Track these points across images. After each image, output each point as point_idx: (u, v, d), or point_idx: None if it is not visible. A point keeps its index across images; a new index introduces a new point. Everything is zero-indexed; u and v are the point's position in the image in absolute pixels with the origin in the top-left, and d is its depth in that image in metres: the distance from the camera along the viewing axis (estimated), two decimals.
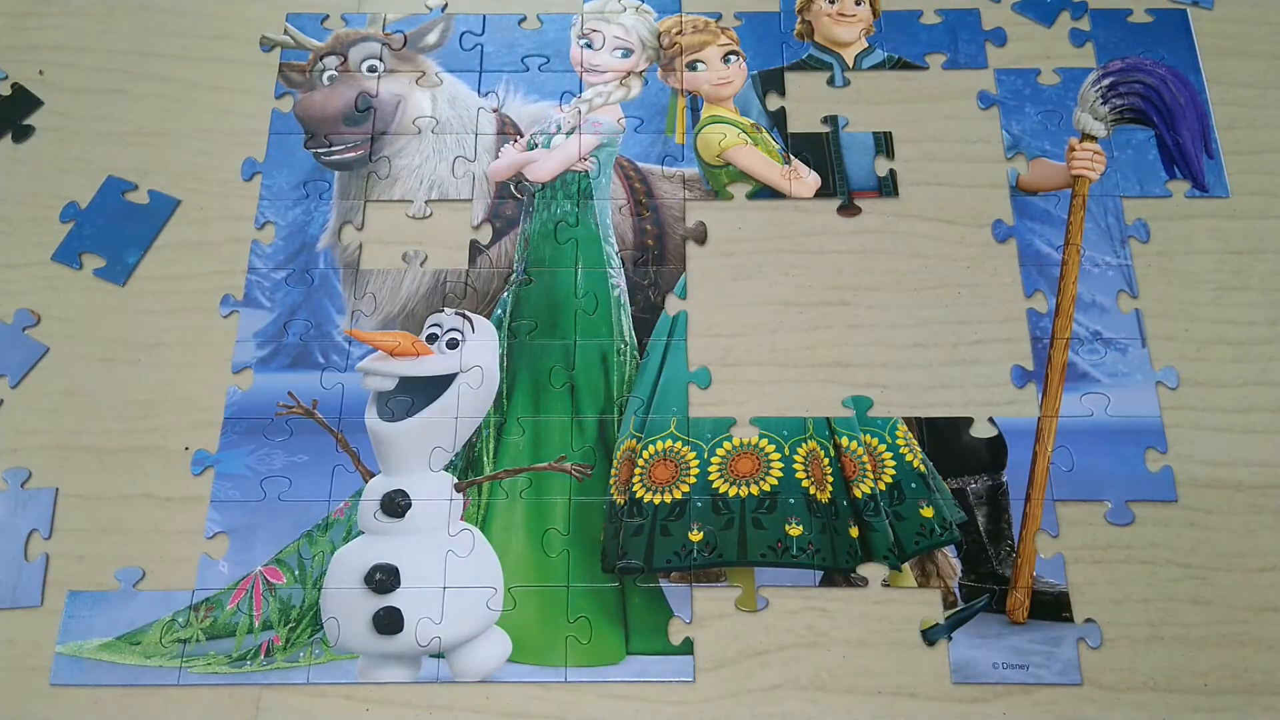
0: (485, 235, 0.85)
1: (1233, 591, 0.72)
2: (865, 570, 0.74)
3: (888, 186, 0.86)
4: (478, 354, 0.79)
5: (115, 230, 0.85)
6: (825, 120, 0.89)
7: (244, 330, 0.81)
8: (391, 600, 0.72)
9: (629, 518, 0.75)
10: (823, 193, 0.86)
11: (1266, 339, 0.80)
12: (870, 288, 0.82)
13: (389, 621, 0.72)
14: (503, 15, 0.94)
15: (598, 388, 0.79)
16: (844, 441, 0.77)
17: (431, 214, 0.86)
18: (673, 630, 0.72)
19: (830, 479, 0.76)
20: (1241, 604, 0.72)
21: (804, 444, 0.77)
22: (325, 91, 0.90)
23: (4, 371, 0.80)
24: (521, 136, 0.88)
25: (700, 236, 0.85)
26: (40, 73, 0.91)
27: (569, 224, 0.85)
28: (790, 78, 0.91)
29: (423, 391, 0.78)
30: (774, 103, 0.89)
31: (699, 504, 0.75)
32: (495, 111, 0.90)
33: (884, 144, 0.88)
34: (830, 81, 0.90)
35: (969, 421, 0.78)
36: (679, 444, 0.77)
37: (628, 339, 0.81)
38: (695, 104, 0.89)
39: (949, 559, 0.74)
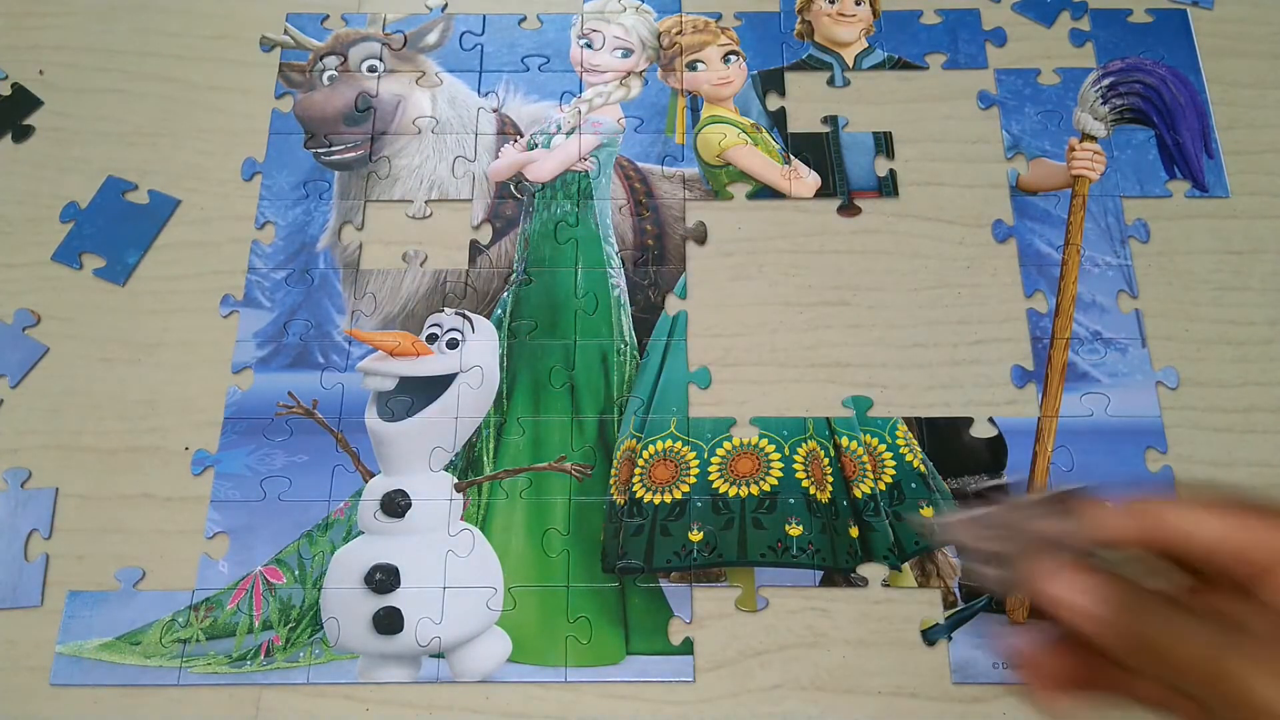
0: (485, 235, 0.85)
1: None
2: (865, 570, 0.74)
3: (888, 186, 0.86)
4: (478, 354, 0.79)
5: (115, 230, 0.85)
6: (825, 120, 0.89)
7: (244, 330, 0.81)
8: (391, 600, 0.72)
9: (629, 518, 0.75)
10: (823, 193, 0.86)
11: (1266, 339, 0.80)
12: (870, 288, 0.82)
13: (389, 621, 0.72)
14: (503, 15, 0.94)
15: (598, 388, 0.79)
16: (844, 441, 0.77)
17: (431, 214, 0.86)
18: (673, 630, 0.72)
19: (830, 479, 0.76)
20: None
21: (804, 444, 0.77)
22: (325, 91, 0.90)
23: (4, 371, 0.80)
24: (521, 136, 0.88)
25: (700, 236, 0.85)
26: (40, 73, 0.91)
27: (569, 224, 0.85)
28: (790, 78, 0.91)
29: (423, 391, 0.78)
30: (774, 103, 0.89)
31: (699, 504, 0.75)
32: (495, 111, 0.90)
33: (884, 144, 0.88)
34: (830, 81, 0.90)
35: (969, 422, 0.78)
36: (679, 444, 0.77)
37: (628, 339, 0.81)
38: (695, 104, 0.89)
39: (949, 559, 0.74)
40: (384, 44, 0.92)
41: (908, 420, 0.78)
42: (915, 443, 0.77)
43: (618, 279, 0.83)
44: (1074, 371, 0.79)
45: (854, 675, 0.70)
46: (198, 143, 0.89)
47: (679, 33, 0.92)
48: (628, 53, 0.92)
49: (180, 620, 0.72)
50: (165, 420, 0.78)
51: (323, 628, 0.72)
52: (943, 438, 0.77)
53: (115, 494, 0.76)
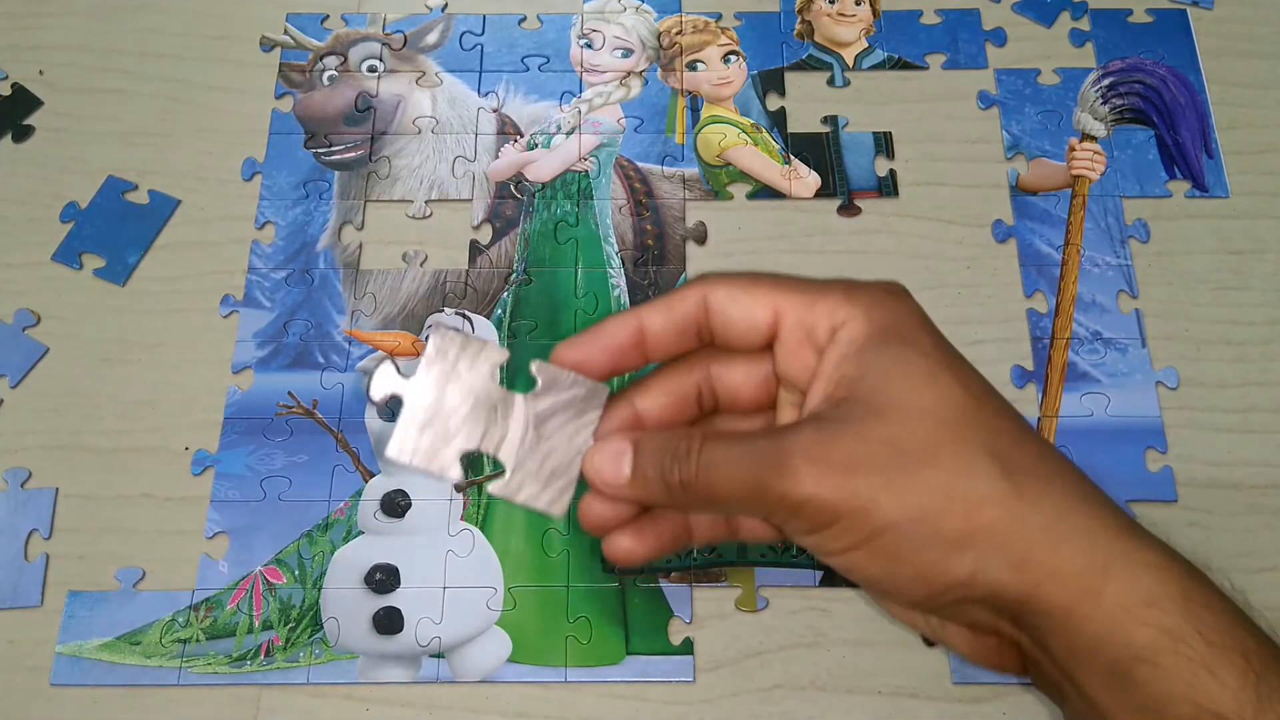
0: (485, 235, 0.85)
1: (1232, 592, 0.72)
2: None
3: (888, 186, 0.86)
4: None
5: (115, 230, 0.85)
6: (825, 120, 0.89)
7: (244, 330, 0.81)
8: (391, 600, 0.72)
9: None
10: (823, 193, 0.86)
11: (1266, 339, 0.80)
12: None
13: (389, 621, 0.72)
14: (503, 15, 0.94)
15: None
16: None
17: (431, 214, 0.86)
18: (673, 630, 0.72)
19: None
20: (1241, 604, 0.72)
21: None
22: (325, 91, 0.90)
23: (4, 371, 0.80)
24: (521, 136, 0.88)
25: (700, 236, 0.85)
26: (40, 73, 0.91)
27: (569, 224, 0.85)
28: (790, 78, 0.91)
29: None
30: (774, 103, 0.89)
31: None
32: (495, 111, 0.90)
33: (884, 144, 0.88)
34: (830, 81, 0.90)
35: None
36: None
37: None
38: (695, 104, 0.89)
39: None
40: (384, 44, 0.92)
41: None
42: None
43: (618, 279, 0.83)
44: (1074, 371, 0.79)
45: (854, 675, 0.70)
46: (198, 143, 0.89)
47: (679, 33, 0.92)
48: (628, 53, 0.92)
49: (180, 620, 0.72)
50: (165, 420, 0.78)
51: (323, 628, 0.72)
52: None
53: (115, 494, 0.76)
